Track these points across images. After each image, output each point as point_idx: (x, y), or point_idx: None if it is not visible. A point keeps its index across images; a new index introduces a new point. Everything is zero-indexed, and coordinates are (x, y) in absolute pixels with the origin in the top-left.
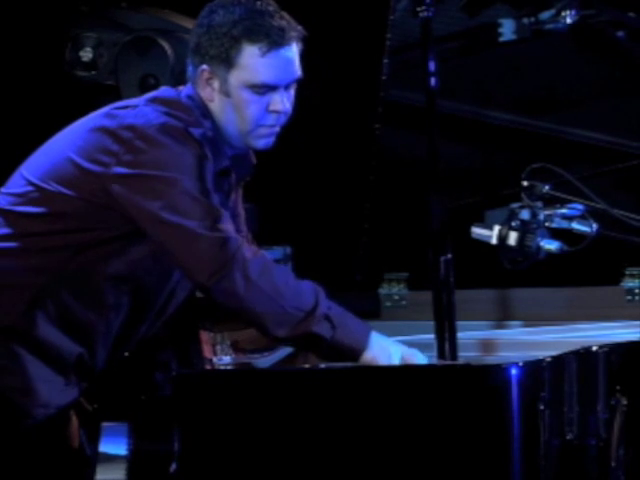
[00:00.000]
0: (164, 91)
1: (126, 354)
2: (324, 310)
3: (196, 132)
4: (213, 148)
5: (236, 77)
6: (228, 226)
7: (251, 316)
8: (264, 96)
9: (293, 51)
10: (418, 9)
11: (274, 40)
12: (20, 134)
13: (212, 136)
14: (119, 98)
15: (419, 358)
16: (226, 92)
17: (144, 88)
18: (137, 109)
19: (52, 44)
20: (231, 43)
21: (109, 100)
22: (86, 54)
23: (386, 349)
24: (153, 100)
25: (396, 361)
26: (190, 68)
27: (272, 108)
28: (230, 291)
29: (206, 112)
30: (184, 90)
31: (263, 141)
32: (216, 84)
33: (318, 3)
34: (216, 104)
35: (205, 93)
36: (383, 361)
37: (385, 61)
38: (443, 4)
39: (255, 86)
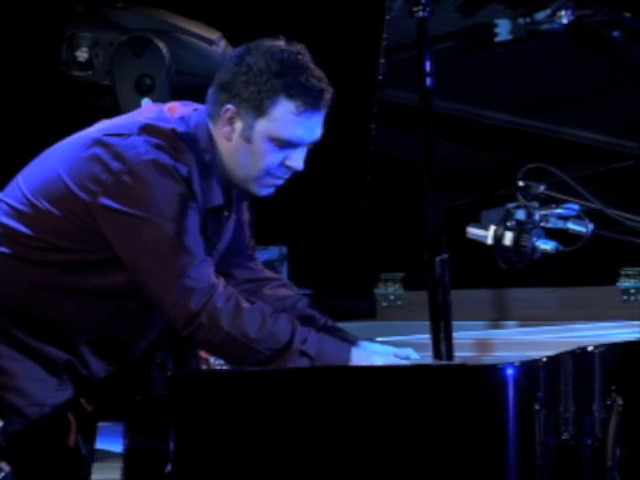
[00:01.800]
0: (158, 118)
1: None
2: (299, 346)
3: (184, 170)
4: (204, 184)
5: (263, 127)
6: (204, 274)
7: (228, 360)
8: (283, 150)
9: (323, 115)
10: (414, 9)
11: (311, 102)
12: (16, 134)
13: (205, 171)
14: (115, 98)
15: (412, 357)
16: (247, 137)
17: (140, 88)
18: (129, 139)
19: (48, 44)
20: (268, 93)
21: (105, 100)
22: (82, 54)
23: (368, 362)
24: (146, 129)
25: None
26: (211, 100)
27: (289, 164)
28: (204, 340)
29: (209, 146)
30: (192, 117)
31: (266, 190)
32: (238, 126)
33: (314, 3)
34: (232, 145)
35: (223, 131)
36: None
37: (381, 61)
38: (439, 4)
39: (280, 140)
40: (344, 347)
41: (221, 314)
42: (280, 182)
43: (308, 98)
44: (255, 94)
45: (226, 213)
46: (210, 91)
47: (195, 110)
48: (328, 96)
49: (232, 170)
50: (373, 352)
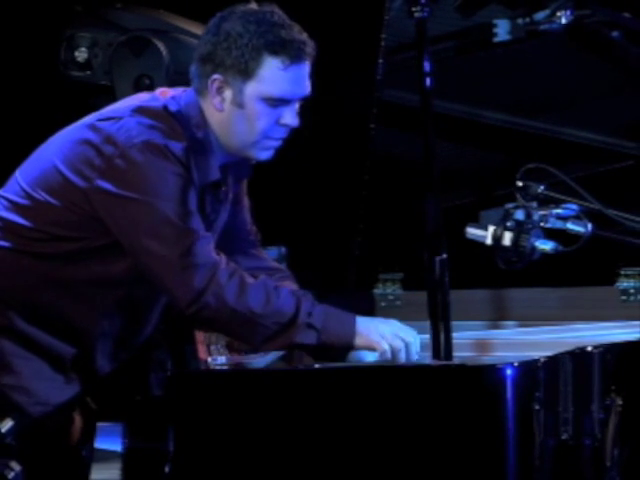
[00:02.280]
0: (150, 99)
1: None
2: (304, 319)
3: (177, 148)
4: (200, 160)
5: (253, 88)
6: (205, 250)
7: (234, 337)
8: (276, 109)
9: (308, 66)
10: (413, 9)
11: (295, 54)
12: (15, 134)
13: (200, 147)
14: (114, 99)
15: (409, 332)
16: (239, 103)
17: (139, 88)
18: (121, 122)
19: (47, 44)
20: (252, 54)
21: (104, 100)
22: (81, 54)
23: (375, 329)
24: (138, 110)
25: (389, 338)
26: (196, 75)
27: (283, 122)
28: (209, 318)
29: (202, 121)
30: (183, 96)
31: (266, 153)
32: (228, 94)
33: (313, 3)
34: (225, 114)
35: (214, 102)
36: (375, 340)
37: (380, 61)
38: (438, 4)
39: (272, 99)
40: (349, 317)
41: (226, 291)
42: (278, 143)
43: (291, 51)
44: (239, 58)
45: (224, 188)
46: (193, 67)
47: (184, 91)
48: (310, 47)
49: (228, 140)
50: (378, 321)
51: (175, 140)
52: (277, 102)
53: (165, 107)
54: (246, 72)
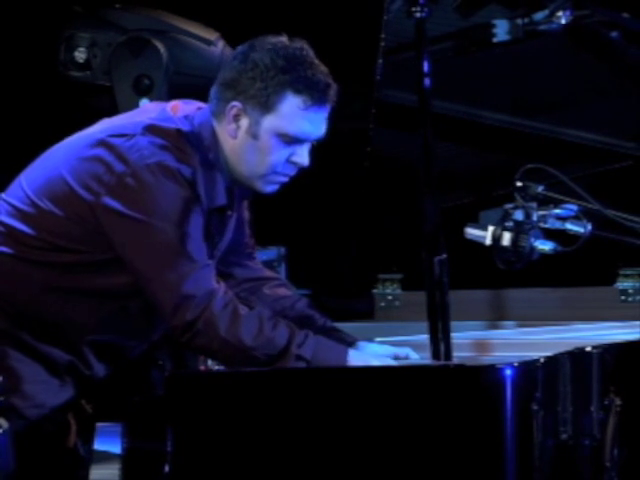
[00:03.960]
0: (162, 117)
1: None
2: (295, 351)
3: (188, 172)
4: (208, 183)
5: (270, 123)
6: (204, 280)
7: (226, 364)
8: (289, 146)
9: (328, 110)
10: (412, 9)
11: (318, 97)
12: (14, 135)
13: (209, 169)
14: (113, 99)
15: (412, 357)
16: (254, 134)
17: (138, 89)
18: (133, 140)
19: (46, 44)
20: (275, 89)
21: (103, 101)
22: (80, 54)
23: (368, 364)
24: (151, 129)
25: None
26: (215, 98)
27: (294, 160)
28: (200, 347)
29: (213, 143)
30: (197, 116)
31: (271, 187)
32: (244, 123)
33: (312, 3)
34: (237, 142)
35: (228, 128)
36: None
37: (379, 61)
38: (437, 5)
39: (287, 136)
40: (341, 350)
41: (218, 321)
42: (285, 179)
43: (315, 93)
44: (262, 90)
45: (229, 212)
46: (214, 89)
47: (199, 109)
48: (333, 91)
49: (237, 168)
50: (371, 354)
51: (186, 164)
52: (292, 140)
53: (178, 129)
54: (266, 105)
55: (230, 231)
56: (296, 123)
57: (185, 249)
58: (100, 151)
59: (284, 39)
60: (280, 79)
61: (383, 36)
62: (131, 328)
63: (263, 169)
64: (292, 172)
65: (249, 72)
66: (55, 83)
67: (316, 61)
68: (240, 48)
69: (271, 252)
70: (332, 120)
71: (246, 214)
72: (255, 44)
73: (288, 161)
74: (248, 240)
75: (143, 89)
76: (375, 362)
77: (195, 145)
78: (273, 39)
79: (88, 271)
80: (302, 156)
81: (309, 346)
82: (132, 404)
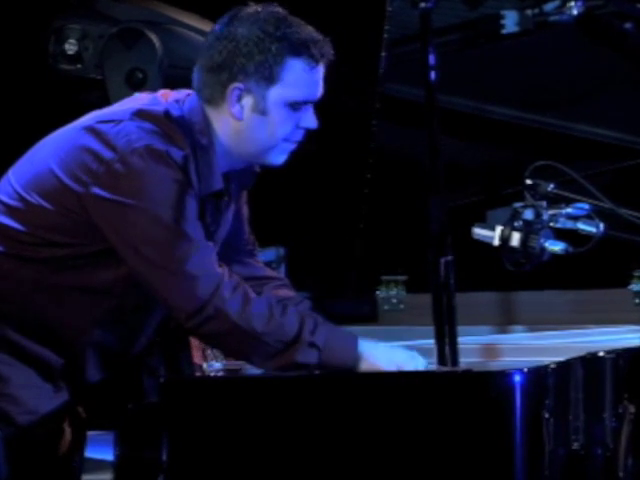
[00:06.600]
0: (151, 102)
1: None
2: (307, 338)
3: (178, 155)
4: (202, 168)
5: (277, 94)
6: (206, 261)
7: (235, 354)
8: (297, 112)
9: (325, 67)
10: (417, 0)
11: (316, 55)
12: (2, 130)
13: (203, 155)
14: (105, 93)
15: (418, 362)
16: (262, 110)
17: (131, 82)
18: (120, 125)
19: (35, 36)
20: (276, 59)
21: (95, 95)
22: (70, 47)
23: (378, 356)
24: (138, 114)
25: (392, 366)
26: (208, 84)
27: (304, 124)
28: (210, 333)
29: (205, 128)
30: (187, 101)
31: (282, 157)
32: (248, 101)
33: None
34: (244, 123)
35: (232, 111)
36: (382, 367)
37: (383, 54)
38: None
39: (297, 103)
40: (351, 337)
41: (228, 304)
42: (294, 146)
43: (312, 51)
44: (262, 63)
45: (226, 198)
46: (201, 76)
47: (188, 96)
48: (327, 44)
49: (243, 148)
50: (381, 345)
51: (176, 146)
52: (300, 105)
53: (167, 112)
54: (270, 77)
55: (228, 222)
56: (302, 87)
57: (181, 230)
58: (88, 138)
59: (257, 7)
60: (277, 47)
61: (387, 28)
62: (126, 329)
63: (272, 141)
64: (301, 137)
65: (242, 49)
66: (44, 77)
67: (297, 20)
68: (217, 28)
69: (270, 253)
70: (334, 115)
71: (245, 209)
72: (232, 21)
73: (297, 127)
74: (248, 237)
75: (136, 83)
76: (385, 349)
77: (185, 130)
78: (247, 10)
79: (80, 265)
80: (310, 119)
81: (322, 333)
82: (125, 411)
